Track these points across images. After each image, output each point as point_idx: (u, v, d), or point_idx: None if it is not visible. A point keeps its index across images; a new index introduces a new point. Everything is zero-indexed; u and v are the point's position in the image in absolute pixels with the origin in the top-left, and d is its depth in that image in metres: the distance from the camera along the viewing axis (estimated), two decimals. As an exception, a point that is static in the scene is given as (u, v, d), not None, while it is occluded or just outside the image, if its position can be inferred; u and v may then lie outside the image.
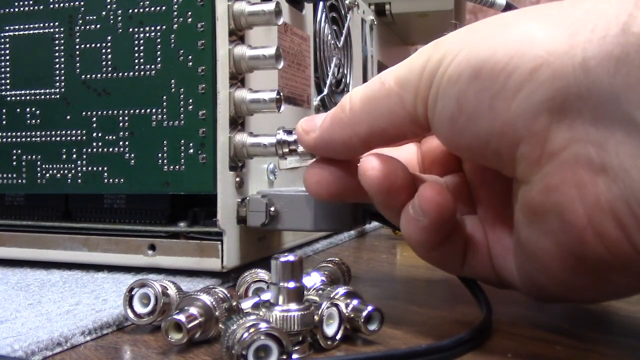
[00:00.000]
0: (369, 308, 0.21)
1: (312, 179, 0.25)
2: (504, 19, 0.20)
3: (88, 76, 0.32)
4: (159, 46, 0.31)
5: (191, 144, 0.31)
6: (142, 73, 0.31)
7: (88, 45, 0.32)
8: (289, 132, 0.29)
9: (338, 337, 0.21)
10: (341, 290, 0.22)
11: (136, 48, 0.31)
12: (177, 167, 0.31)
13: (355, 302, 0.22)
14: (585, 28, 0.18)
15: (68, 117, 0.33)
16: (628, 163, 0.17)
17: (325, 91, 0.46)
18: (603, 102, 0.17)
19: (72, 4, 0.33)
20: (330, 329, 0.21)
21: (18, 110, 0.34)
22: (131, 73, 0.32)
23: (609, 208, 0.17)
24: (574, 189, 0.18)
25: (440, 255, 0.23)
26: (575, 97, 0.17)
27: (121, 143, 0.32)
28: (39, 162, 0.33)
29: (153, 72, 0.31)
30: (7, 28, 0.34)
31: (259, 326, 0.17)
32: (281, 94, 0.31)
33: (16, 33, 0.34)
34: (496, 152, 0.20)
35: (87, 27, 0.32)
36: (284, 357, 0.17)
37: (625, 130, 0.17)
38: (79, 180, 0.33)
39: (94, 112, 0.32)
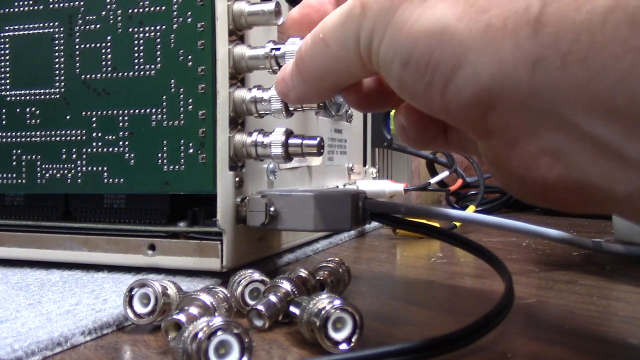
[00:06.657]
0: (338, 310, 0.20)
1: None
2: None
3: (88, 76, 0.32)
4: (158, 46, 0.31)
5: (191, 144, 0.31)
6: (142, 73, 0.31)
7: (88, 45, 0.32)
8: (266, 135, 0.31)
9: (354, 339, 0.20)
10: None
11: (136, 48, 0.31)
12: (177, 167, 0.31)
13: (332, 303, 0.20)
14: (497, 19, 0.17)
15: (68, 117, 0.33)
16: (568, 147, 0.17)
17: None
18: (525, 98, 0.17)
19: (72, 4, 0.33)
20: (339, 334, 0.20)
21: (18, 110, 0.34)
22: (131, 73, 0.32)
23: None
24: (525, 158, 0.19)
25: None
26: (498, 93, 0.18)
27: (121, 143, 0.32)
28: (38, 162, 0.33)
29: (153, 72, 0.31)
30: (7, 28, 0.34)
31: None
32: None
33: (16, 33, 0.34)
34: (443, 120, 0.21)
35: (87, 27, 0.32)
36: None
37: (556, 125, 0.17)
38: (79, 180, 0.33)
39: (94, 112, 0.32)
